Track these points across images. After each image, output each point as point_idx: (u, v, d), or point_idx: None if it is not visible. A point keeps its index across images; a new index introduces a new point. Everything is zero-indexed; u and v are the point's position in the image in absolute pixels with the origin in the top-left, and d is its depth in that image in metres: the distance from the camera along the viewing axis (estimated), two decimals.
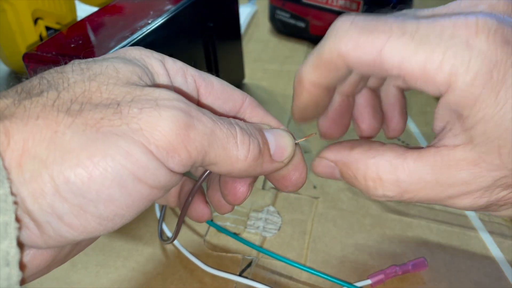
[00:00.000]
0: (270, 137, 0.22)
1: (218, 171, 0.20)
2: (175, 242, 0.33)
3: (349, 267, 0.32)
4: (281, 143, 0.22)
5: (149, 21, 0.33)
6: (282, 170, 0.23)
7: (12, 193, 0.15)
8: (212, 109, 0.24)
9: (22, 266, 0.16)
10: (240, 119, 0.22)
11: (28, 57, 0.30)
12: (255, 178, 0.25)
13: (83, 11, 0.48)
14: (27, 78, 0.19)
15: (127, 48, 0.22)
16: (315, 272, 0.30)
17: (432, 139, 0.22)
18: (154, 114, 0.17)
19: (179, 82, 0.22)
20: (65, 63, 0.20)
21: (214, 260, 0.33)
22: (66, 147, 0.16)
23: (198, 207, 0.27)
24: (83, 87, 0.18)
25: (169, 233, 0.34)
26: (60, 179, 0.16)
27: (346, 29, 0.20)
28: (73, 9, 0.51)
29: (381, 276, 0.30)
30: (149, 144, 0.17)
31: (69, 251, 0.20)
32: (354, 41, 0.20)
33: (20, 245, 0.16)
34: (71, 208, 0.16)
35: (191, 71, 0.23)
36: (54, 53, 0.30)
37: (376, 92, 0.27)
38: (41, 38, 0.48)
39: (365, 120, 0.27)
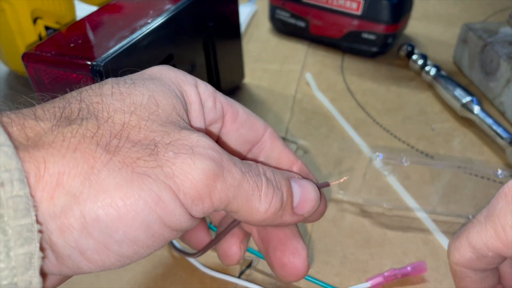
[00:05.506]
0: (296, 188, 0.21)
1: (236, 217, 0.20)
2: (175, 242, 0.33)
3: (349, 267, 0.32)
4: (306, 196, 0.22)
5: (149, 21, 0.33)
6: None
7: (38, 222, 0.15)
8: (235, 151, 0.24)
9: None
10: (267, 165, 0.22)
11: (27, 57, 0.30)
12: (247, 236, 0.26)
13: (83, 10, 0.47)
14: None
15: (161, 67, 0.22)
16: (313, 280, 0.30)
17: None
18: (188, 162, 0.17)
19: (208, 107, 0.22)
20: (101, 78, 0.19)
21: (214, 261, 0.33)
22: (100, 186, 0.16)
23: (230, 250, 0.26)
24: (123, 119, 0.18)
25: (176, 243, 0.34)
26: (91, 217, 0.16)
27: None
28: (72, 9, 0.51)
29: (380, 279, 0.30)
30: (178, 191, 0.17)
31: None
32: None
33: (43, 274, 0.16)
34: (95, 245, 0.16)
35: (220, 97, 0.23)
36: (53, 52, 0.30)
37: None
38: (40, 38, 0.47)
39: None
